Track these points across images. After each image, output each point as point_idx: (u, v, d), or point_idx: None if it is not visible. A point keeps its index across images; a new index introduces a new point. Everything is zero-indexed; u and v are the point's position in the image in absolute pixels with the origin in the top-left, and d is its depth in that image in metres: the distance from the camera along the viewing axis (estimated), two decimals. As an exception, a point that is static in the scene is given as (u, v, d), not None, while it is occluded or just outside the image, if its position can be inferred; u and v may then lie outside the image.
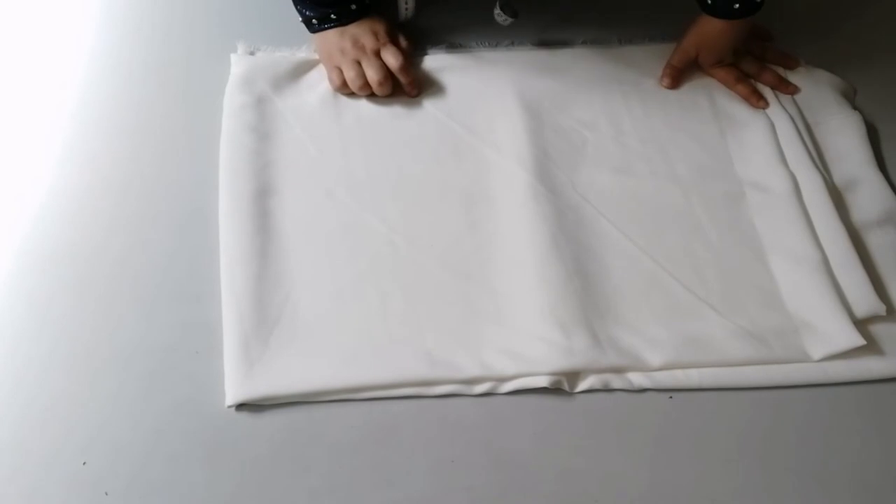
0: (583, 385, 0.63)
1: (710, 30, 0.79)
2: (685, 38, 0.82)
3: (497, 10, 0.82)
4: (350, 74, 0.78)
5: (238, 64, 0.82)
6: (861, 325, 0.65)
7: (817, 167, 0.75)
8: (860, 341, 0.63)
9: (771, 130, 0.78)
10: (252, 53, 0.83)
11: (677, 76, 0.82)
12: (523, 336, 0.64)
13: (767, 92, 0.82)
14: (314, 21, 0.80)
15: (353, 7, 0.79)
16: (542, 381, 0.62)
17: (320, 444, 0.59)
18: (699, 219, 0.72)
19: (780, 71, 0.84)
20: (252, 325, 0.64)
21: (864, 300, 0.66)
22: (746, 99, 0.81)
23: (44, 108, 0.79)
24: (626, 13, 0.90)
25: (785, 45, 0.86)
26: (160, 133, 0.77)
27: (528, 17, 0.85)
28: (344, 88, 0.79)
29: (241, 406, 0.61)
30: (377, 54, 0.79)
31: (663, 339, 0.64)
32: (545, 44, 0.86)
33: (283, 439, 0.59)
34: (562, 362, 0.62)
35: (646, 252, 0.69)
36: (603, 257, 0.69)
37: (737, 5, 0.76)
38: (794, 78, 0.83)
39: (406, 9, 0.85)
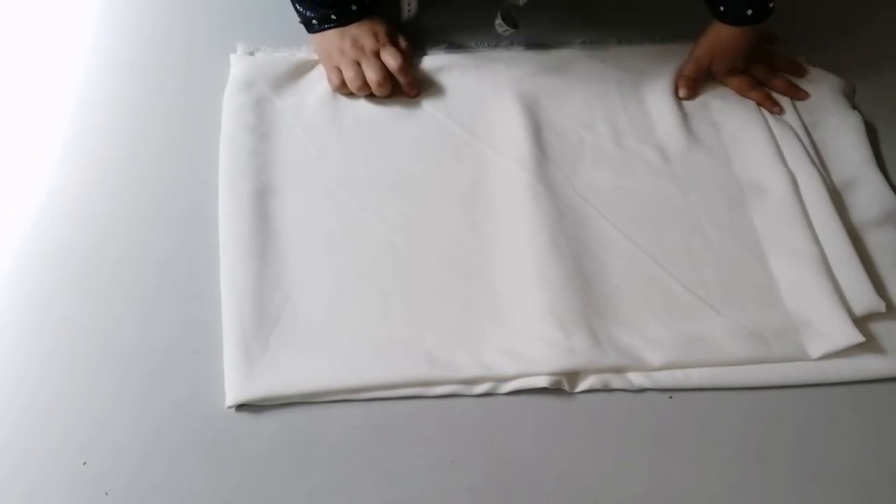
0: (583, 385, 0.63)
1: (722, 37, 0.79)
2: (697, 47, 0.82)
3: (498, 21, 0.82)
4: (349, 75, 0.78)
5: (237, 64, 0.82)
6: (860, 323, 0.65)
7: (816, 167, 0.75)
8: (859, 338, 0.63)
9: (769, 130, 0.78)
10: (251, 54, 0.83)
11: (693, 86, 0.82)
12: (523, 336, 0.64)
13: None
14: (314, 21, 0.80)
15: (354, 8, 0.79)
16: (542, 381, 0.62)
17: (320, 444, 0.59)
18: (698, 218, 0.72)
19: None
20: (252, 326, 0.64)
21: (863, 298, 0.66)
22: (761, 105, 0.81)
23: (44, 108, 0.79)
24: (625, 14, 0.90)
25: (785, 45, 0.86)
26: (160, 133, 0.77)
27: (528, 18, 0.85)
28: (343, 89, 0.79)
29: (241, 406, 0.61)
30: (376, 55, 0.79)
31: (663, 338, 0.64)
32: (544, 44, 0.86)
33: (283, 439, 0.59)
34: (562, 362, 0.62)
35: (645, 252, 0.69)
36: (602, 257, 0.69)
37: (749, 11, 0.76)
38: (797, 81, 0.84)
39: (409, 9, 0.85)
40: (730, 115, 0.80)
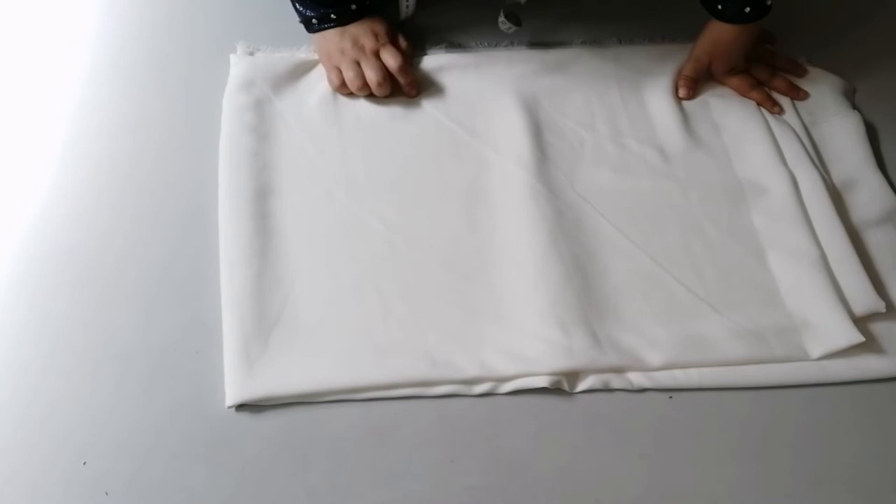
0: (583, 385, 0.63)
1: (721, 36, 0.79)
2: (697, 47, 0.82)
3: (501, 19, 0.82)
4: (349, 75, 0.78)
5: (237, 64, 0.82)
6: (860, 323, 0.65)
7: (816, 167, 0.75)
8: (859, 338, 0.63)
9: (769, 130, 0.78)
10: (251, 54, 0.83)
11: (693, 86, 0.82)
12: (523, 336, 0.64)
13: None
14: (314, 21, 0.80)
15: (354, 7, 0.79)
16: (542, 381, 0.62)
17: (320, 443, 0.59)
18: (698, 218, 0.72)
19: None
20: (252, 326, 0.64)
21: (862, 298, 0.66)
22: (762, 105, 0.81)
23: (44, 108, 0.79)
24: (625, 13, 0.90)
25: (784, 45, 0.86)
26: (160, 133, 0.77)
27: (528, 17, 0.85)
28: (343, 89, 0.79)
29: (241, 406, 0.61)
30: (376, 55, 0.79)
31: (663, 338, 0.64)
32: (544, 44, 0.86)
33: (282, 439, 0.59)
34: (561, 362, 0.62)
35: (645, 251, 0.69)
36: (602, 257, 0.69)
37: (748, 9, 0.76)
38: (797, 80, 0.84)
39: (407, 7, 0.86)
40: (730, 115, 0.80)
